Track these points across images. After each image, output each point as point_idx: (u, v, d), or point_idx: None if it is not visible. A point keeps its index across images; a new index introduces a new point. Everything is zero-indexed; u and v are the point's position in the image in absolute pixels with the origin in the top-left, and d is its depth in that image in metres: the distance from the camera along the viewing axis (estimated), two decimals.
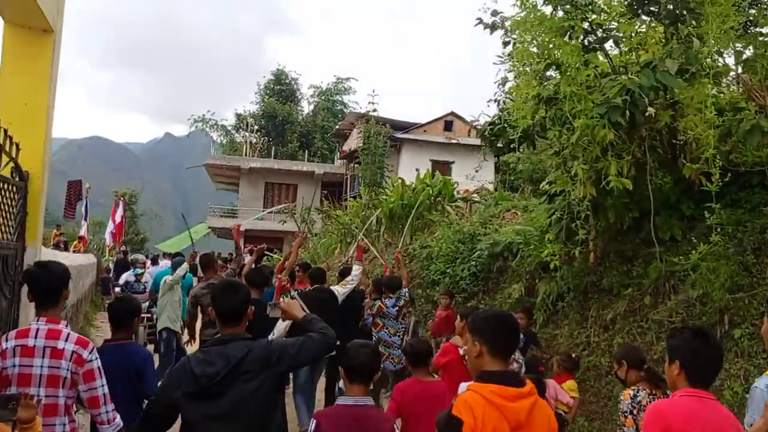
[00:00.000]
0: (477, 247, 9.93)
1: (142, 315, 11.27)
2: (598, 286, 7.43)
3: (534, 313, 8.11)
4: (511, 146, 6.72)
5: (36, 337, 3.24)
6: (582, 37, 6.13)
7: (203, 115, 49.02)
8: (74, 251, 25.70)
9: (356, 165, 31.68)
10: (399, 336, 7.43)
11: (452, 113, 29.95)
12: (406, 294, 7.70)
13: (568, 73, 6.00)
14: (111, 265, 21.21)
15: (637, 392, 4.18)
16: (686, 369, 2.69)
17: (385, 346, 7.33)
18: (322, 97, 52.83)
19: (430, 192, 13.55)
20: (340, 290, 7.30)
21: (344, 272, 8.04)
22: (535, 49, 6.05)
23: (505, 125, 6.62)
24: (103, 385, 3.39)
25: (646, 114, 5.32)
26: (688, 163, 6.32)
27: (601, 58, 6.26)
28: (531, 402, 2.45)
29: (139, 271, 12.53)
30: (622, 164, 5.85)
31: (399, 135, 28.97)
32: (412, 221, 13.57)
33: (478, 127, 6.99)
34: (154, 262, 22.06)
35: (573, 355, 6.39)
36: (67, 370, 3.26)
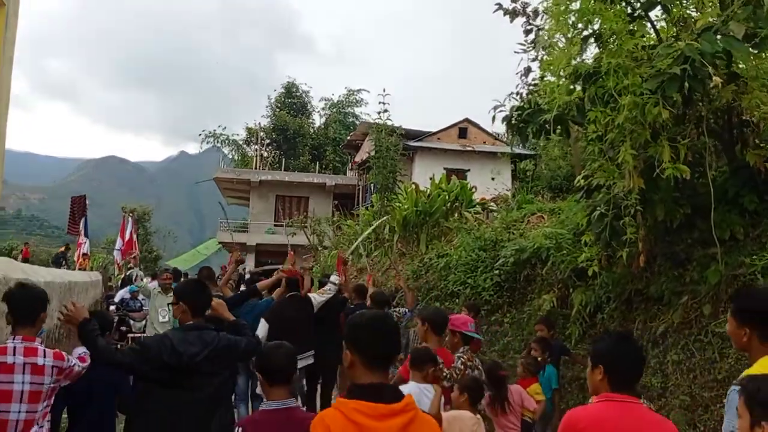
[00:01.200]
0: (500, 254, 9.02)
1: (137, 335, 10.58)
2: (644, 295, 6.49)
3: (568, 326, 7.24)
4: (542, 132, 5.83)
5: (15, 354, 3.41)
6: (625, 3, 5.27)
7: (214, 130, 48.59)
8: (80, 269, 25.14)
9: (368, 175, 30.94)
10: None
11: (467, 120, 29.05)
12: (403, 313, 7.61)
13: (611, 45, 5.12)
14: (119, 283, 20.53)
15: None
16: (610, 374, 2.68)
17: None
18: (334, 110, 52.25)
19: (447, 197, 12.66)
20: (317, 298, 7.25)
21: (322, 282, 7.98)
22: (572, 18, 5.16)
23: (537, 107, 5.72)
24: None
25: (711, 85, 4.41)
26: (751, 148, 5.42)
27: (647, 27, 5.36)
28: (405, 420, 2.16)
29: (135, 287, 11.71)
30: (678, 149, 4.93)
31: (412, 143, 28.12)
32: (428, 229, 12.69)
33: (503, 111, 6.07)
34: (154, 277, 21.45)
35: (538, 359, 6.09)
36: (49, 384, 3.50)
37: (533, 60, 6.89)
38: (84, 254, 23.20)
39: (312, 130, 49.78)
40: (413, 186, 12.97)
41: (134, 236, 24.97)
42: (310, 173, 36.29)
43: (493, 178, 27.36)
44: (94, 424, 4.33)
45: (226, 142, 49.17)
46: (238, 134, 51.59)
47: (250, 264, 32.31)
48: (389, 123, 11.96)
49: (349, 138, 38.96)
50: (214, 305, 3.92)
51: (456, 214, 12.78)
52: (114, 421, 4.48)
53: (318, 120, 53.06)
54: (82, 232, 23.45)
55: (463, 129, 28.72)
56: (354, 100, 52.82)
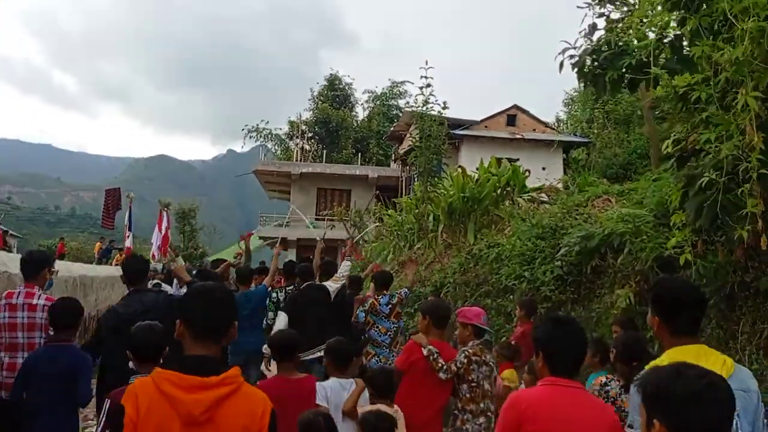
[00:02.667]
0: (562, 243, 7.74)
1: None
2: (751, 288, 5.18)
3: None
4: (623, 82, 4.56)
5: (17, 298, 4.71)
6: None
7: (257, 125, 47.99)
8: (116, 264, 24.64)
9: (412, 164, 29.74)
10: (389, 335, 6.98)
11: (515, 106, 27.53)
12: (404, 293, 7.43)
13: None
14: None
15: (609, 382, 4.11)
16: (547, 360, 2.73)
17: (373, 346, 6.98)
18: (377, 102, 51.17)
19: (497, 183, 11.38)
20: (331, 285, 7.06)
21: (327, 267, 7.63)
22: None
23: (618, 49, 4.43)
24: None
25: None
26: None
27: None
28: (217, 395, 2.07)
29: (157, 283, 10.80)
30: None
31: (458, 131, 26.80)
32: (476, 217, 11.46)
33: (570, 61, 4.79)
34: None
35: (513, 342, 6.00)
36: (41, 318, 4.67)
37: (599, 16, 5.63)
38: (121, 249, 22.63)
39: (355, 123, 48.81)
40: (459, 170, 11.73)
41: (168, 232, 24.38)
42: (351, 165, 35.25)
43: (543, 168, 25.95)
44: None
45: (269, 136, 48.58)
46: (281, 128, 51.08)
47: (291, 258, 31.53)
48: (432, 98, 10.72)
49: (392, 129, 37.81)
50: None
51: (507, 201, 11.50)
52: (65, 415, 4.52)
53: (361, 113, 52.11)
54: (127, 227, 22.97)
55: (511, 116, 27.24)
56: (398, 92, 51.65)
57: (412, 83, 52.43)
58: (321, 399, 4.05)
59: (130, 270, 4.85)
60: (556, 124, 33.18)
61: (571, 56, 4.71)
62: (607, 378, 4.15)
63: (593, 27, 5.68)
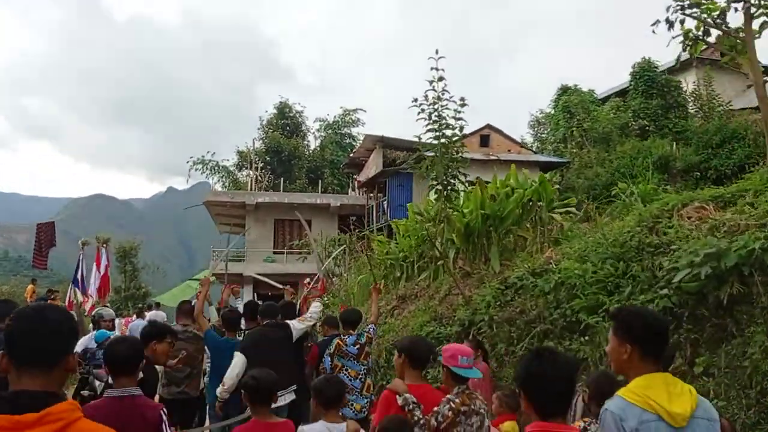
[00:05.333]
0: (663, 264, 5.76)
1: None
2: None
3: None
4: None
5: None
6: None
7: (202, 156, 45.19)
8: None
9: (379, 194, 27.67)
10: (360, 380, 6.36)
11: (488, 126, 25.86)
12: (371, 330, 6.68)
13: None
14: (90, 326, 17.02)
15: (589, 425, 3.73)
16: (531, 400, 2.56)
17: None
18: (329, 131, 49.31)
19: (521, 197, 9.40)
20: (297, 325, 6.68)
21: (286, 309, 7.25)
22: None
23: None
24: None
25: None
26: None
27: None
28: None
29: (106, 333, 8.32)
30: None
31: (428, 153, 24.96)
32: (497, 239, 9.46)
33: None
34: (139, 314, 17.62)
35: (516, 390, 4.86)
36: None
37: None
38: (71, 302, 19.83)
39: (307, 152, 46.73)
40: (477, 182, 9.68)
41: (108, 271, 21.60)
42: (312, 194, 32.97)
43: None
44: None
45: (216, 168, 45.79)
46: (228, 159, 48.46)
47: (247, 297, 28.90)
48: (446, 95, 8.62)
49: (351, 155, 35.77)
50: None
51: (533, 218, 9.54)
52: None
53: (313, 142, 50.09)
54: (80, 280, 20.18)
55: (485, 136, 25.56)
56: (350, 120, 49.98)
57: (365, 111, 50.91)
58: None
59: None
60: (531, 142, 31.88)
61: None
62: (584, 421, 3.85)
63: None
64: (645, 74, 25.42)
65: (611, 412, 2.48)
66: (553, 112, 29.28)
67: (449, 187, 8.87)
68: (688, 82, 26.76)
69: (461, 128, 9.36)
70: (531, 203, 9.60)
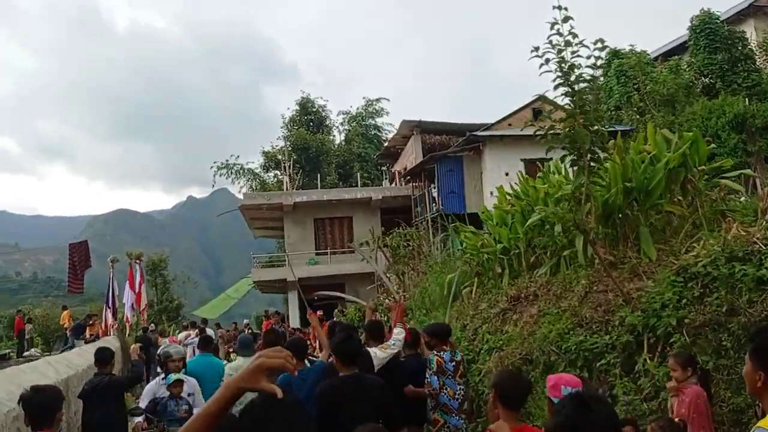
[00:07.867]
0: None
1: None
2: None
3: None
4: None
5: None
6: None
7: (226, 161, 43.62)
8: (90, 335, 20.08)
9: (426, 182, 25.80)
10: (457, 400, 6.01)
11: (542, 97, 23.84)
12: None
13: None
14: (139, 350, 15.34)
15: None
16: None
17: (442, 412, 6.01)
18: (353, 123, 47.56)
19: (667, 164, 7.49)
20: (379, 354, 5.70)
21: (373, 329, 6.27)
22: None
23: None
24: None
25: None
26: None
27: None
28: None
29: (176, 377, 6.55)
30: None
31: (480, 133, 23.07)
32: (644, 218, 7.59)
33: None
34: (202, 332, 15.55)
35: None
36: None
37: None
38: (110, 325, 18.41)
39: (334, 147, 45.01)
40: (615, 144, 7.77)
41: (142, 288, 20.17)
42: (351, 188, 31.10)
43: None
44: None
45: (242, 172, 44.20)
46: (252, 162, 46.86)
47: (292, 303, 27.22)
48: (575, 39, 6.77)
49: (386, 145, 33.96)
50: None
51: (689, 188, 7.62)
52: None
53: (338, 136, 48.39)
54: (111, 299, 18.76)
55: (537, 111, 23.57)
56: (374, 111, 48.17)
57: (389, 100, 48.96)
58: None
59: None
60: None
61: None
62: None
63: None
64: (706, 27, 23.27)
65: None
66: (602, 78, 27.23)
67: (592, 158, 6.99)
68: (751, 33, 24.61)
69: (594, 79, 7.44)
70: (679, 170, 7.67)
